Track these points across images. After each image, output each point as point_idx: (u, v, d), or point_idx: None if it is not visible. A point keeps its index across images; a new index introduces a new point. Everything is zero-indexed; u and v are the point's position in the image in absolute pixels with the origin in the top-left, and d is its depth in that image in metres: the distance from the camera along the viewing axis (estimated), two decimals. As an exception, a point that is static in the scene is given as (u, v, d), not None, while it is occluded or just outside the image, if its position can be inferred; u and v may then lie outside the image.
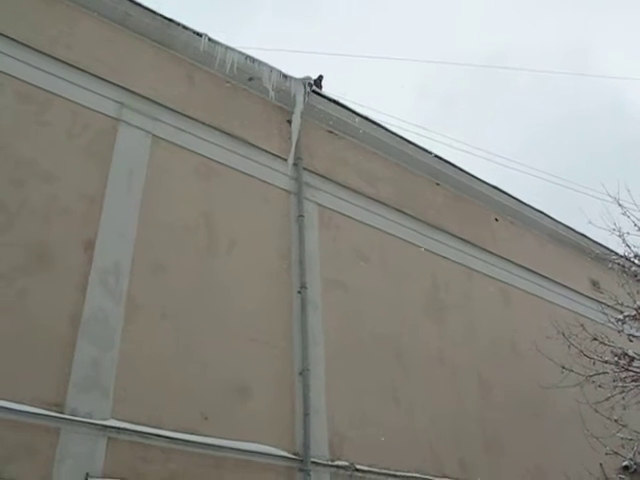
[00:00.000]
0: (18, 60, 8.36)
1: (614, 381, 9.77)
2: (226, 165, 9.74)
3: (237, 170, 9.83)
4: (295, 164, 10.57)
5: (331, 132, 11.54)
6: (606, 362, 9.85)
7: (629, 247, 10.61)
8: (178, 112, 9.58)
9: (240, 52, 10.55)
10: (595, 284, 14.31)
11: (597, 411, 9.65)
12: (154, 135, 9.18)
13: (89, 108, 8.74)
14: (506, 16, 49.06)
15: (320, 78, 11.73)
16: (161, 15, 9.86)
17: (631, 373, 9.72)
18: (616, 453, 9.59)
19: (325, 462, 8.41)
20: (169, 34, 9.96)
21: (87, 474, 6.57)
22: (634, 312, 10.21)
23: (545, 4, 45.48)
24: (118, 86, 9.12)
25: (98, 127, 8.71)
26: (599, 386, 9.77)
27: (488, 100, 48.47)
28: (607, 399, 9.75)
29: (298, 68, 11.28)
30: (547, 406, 11.34)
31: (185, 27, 10.05)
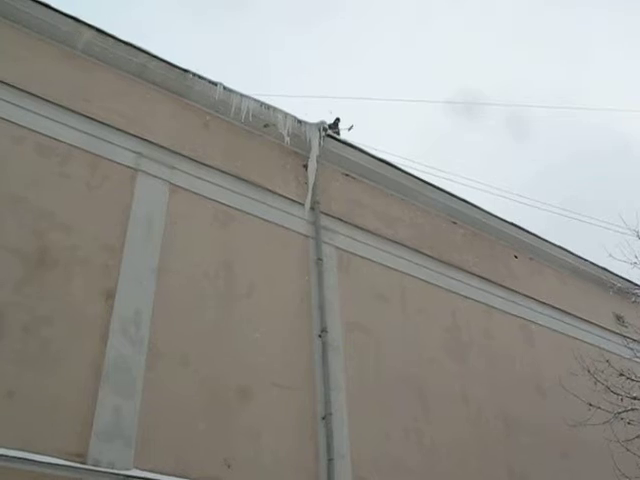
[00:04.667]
0: (37, 114, 8.56)
1: (643, 418, 9.58)
2: (244, 211, 9.83)
3: (255, 216, 9.91)
4: (312, 208, 10.64)
5: (347, 175, 11.62)
6: (634, 398, 9.67)
7: (651, 280, 10.51)
8: (195, 160, 9.71)
9: (255, 99, 10.72)
10: (619, 318, 14.12)
11: (628, 449, 9.43)
12: (172, 184, 9.31)
13: (108, 159, 8.90)
14: (510, 56, 49.49)
15: (337, 121, 11.88)
16: (177, 66, 10.07)
17: (661, 409, 9.54)
18: (650, 493, 9.36)
19: (350, 508, 8.29)
20: (185, 84, 10.16)
21: (111, 525, 6.53)
22: (660, 347, 10.07)
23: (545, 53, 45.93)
24: (136, 137, 9.29)
25: (117, 177, 8.85)
26: (628, 423, 9.58)
27: (497, 137, 48.64)
28: (638, 436, 9.54)
29: (311, 110, 11.46)
30: (575, 445, 11.10)
31: (200, 77, 10.25)
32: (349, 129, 11.80)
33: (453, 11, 45.26)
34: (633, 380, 9.82)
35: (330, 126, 11.63)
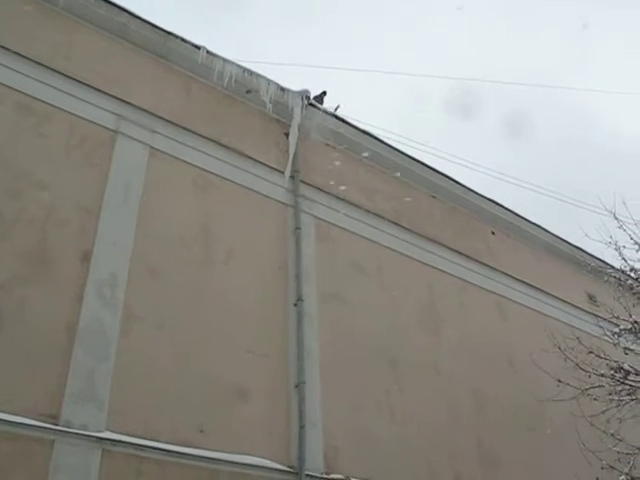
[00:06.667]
0: (17, 72, 8.41)
1: (610, 394, 9.74)
2: (223, 177, 9.77)
3: (234, 182, 9.86)
4: (292, 177, 10.60)
5: (328, 145, 11.58)
6: (602, 375, 9.82)
7: (625, 260, 10.62)
8: (176, 124, 9.61)
9: (238, 65, 10.61)
10: (591, 297, 14.33)
11: (593, 424, 9.61)
12: (152, 147, 9.22)
13: (87, 120, 8.79)
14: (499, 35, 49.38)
15: (323, 94, 11.82)
16: (160, 27, 9.92)
17: (627, 386, 9.69)
18: (612, 467, 9.50)
19: (320, 475, 8.38)
20: (168, 46, 10.02)
21: (81, 486, 6.56)
22: (630, 325, 10.19)
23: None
24: (116, 98, 9.17)
25: (96, 139, 8.75)
26: (595, 399, 9.75)
27: (482, 114, 48.80)
28: (603, 412, 9.72)
29: (295, 80, 11.40)
30: (543, 419, 11.31)
31: (183, 39, 10.11)
32: (335, 109, 11.77)
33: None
34: (601, 358, 9.97)
35: (315, 98, 11.58)
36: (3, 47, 8.40)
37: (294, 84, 11.18)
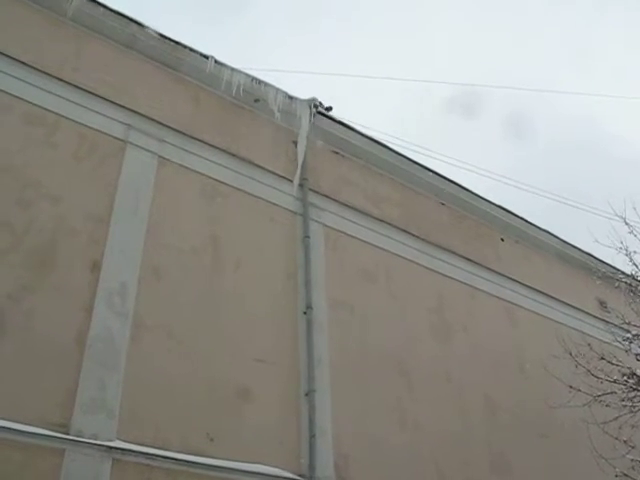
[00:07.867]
0: (26, 82, 8.45)
1: (622, 401, 9.69)
2: (232, 186, 9.79)
3: (243, 191, 9.87)
4: (301, 185, 10.61)
5: (337, 153, 11.59)
6: (614, 382, 9.77)
7: (636, 266, 10.58)
8: (184, 134, 9.64)
9: (246, 74, 10.64)
10: (602, 303, 14.24)
11: (605, 431, 9.55)
12: (160, 156, 9.25)
13: (96, 130, 8.82)
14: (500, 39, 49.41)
15: (329, 109, 11.80)
16: (168, 38, 9.97)
17: (639, 393, 9.65)
18: (626, 475, 9.41)
19: (331, 483, 8.36)
20: (176, 56, 10.06)
21: (92, 495, 6.54)
22: (641, 331, 10.17)
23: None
24: (125, 108, 9.20)
25: (105, 149, 8.78)
26: (607, 406, 9.69)
27: (486, 118, 48.84)
28: (615, 419, 9.66)
29: (300, 86, 11.42)
30: (554, 426, 11.24)
31: (192, 49, 10.16)
32: (327, 109, 11.73)
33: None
34: (613, 364, 9.92)
35: (320, 106, 11.57)
36: (11, 57, 8.45)
37: (298, 90, 11.22)
